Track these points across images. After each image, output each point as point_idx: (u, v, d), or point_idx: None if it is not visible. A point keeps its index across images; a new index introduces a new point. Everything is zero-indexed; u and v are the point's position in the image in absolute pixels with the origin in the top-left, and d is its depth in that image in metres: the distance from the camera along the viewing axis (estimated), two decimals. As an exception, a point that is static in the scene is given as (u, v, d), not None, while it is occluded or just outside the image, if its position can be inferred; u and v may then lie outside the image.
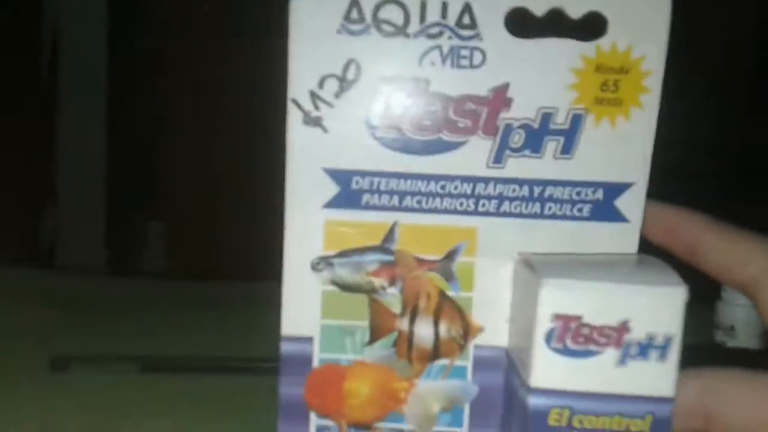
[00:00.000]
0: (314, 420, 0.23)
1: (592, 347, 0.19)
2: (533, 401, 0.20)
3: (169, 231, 1.24)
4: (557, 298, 0.19)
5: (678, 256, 0.22)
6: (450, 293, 0.22)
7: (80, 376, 0.36)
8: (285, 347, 0.23)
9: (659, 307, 0.19)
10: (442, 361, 0.23)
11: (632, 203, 0.22)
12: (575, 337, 0.19)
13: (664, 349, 0.19)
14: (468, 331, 0.23)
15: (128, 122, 1.20)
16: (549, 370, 0.20)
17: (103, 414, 0.32)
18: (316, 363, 0.23)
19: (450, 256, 0.22)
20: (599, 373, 0.19)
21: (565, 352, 0.19)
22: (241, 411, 0.32)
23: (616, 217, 0.22)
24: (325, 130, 0.21)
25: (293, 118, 0.21)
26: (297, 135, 0.21)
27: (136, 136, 1.22)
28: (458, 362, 0.23)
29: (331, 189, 0.22)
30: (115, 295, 0.54)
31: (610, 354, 0.19)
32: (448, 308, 0.23)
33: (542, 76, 0.21)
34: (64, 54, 1.14)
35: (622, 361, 0.19)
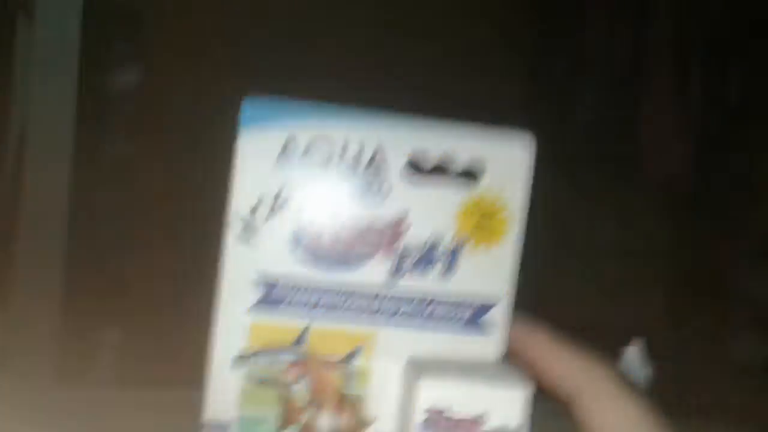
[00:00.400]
0: None
1: None
2: None
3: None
4: (430, 393, 0.24)
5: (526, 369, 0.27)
6: (349, 390, 0.26)
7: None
8: None
9: (508, 402, 0.24)
10: (341, 448, 0.26)
11: (496, 319, 0.27)
12: (442, 427, 0.24)
13: None
14: (363, 423, 0.27)
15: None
16: None
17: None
18: (229, 449, 0.26)
19: (350, 357, 0.26)
20: None
21: None
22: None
23: (482, 330, 0.27)
24: (255, 246, 0.25)
25: (231, 235, 0.25)
26: (232, 249, 0.25)
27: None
28: (354, 449, 0.26)
29: (256, 294, 0.26)
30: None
31: None
32: (347, 403, 0.26)
33: (434, 210, 0.26)
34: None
35: None
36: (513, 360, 0.27)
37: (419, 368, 0.25)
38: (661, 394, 0.29)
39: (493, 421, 0.24)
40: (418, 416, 0.24)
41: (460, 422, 0.24)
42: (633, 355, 0.33)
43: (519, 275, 0.27)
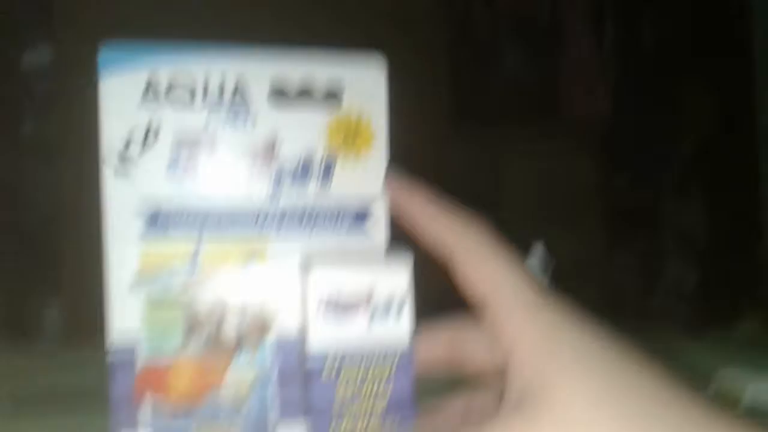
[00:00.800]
0: (146, 410, 0.28)
1: (348, 314, 0.27)
2: (310, 364, 0.27)
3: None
4: (320, 278, 0.27)
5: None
6: (247, 296, 0.29)
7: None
8: (113, 357, 0.28)
9: (392, 276, 0.27)
10: (247, 350, 0.29)
11: (374, 221, 0.30)
12: (335, 308, 0.27)
13: (399, 308, 0.27)
14: (264, 324, 0.29)
15: None
16: (319, 338, 0.27)
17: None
18: (141, 365, 0.28)
19: (244, 268, 0.29)
20: (356, 333, 0.27)
21: (329, 320, 0.27)
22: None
23: (364, 233, 0.30)
24: (132, 180, 0.28)
25: (107, 174, 0.27)
26: (111, 187, 0.27)
27: None
28: (260, 349, 0.29)
29: (143, 224, 0.28)
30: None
31: (362, 318, 0.27)
32: (247, 308, 0.29)
33: (300, 133, 0.29)
34: None
35: (370, 320, 0.27)
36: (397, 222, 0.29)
37: (309, 265, 0.28)
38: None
39: (381, 297, 0.27)
40: (312, 303, 0.27)
41: (352, 304, 0.27)
42: (534, 258, 0.36)
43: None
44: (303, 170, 0.30)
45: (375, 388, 0.27)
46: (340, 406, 0.27)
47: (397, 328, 0.27)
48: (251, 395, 0.29)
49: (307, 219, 0.30)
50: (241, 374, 0.29)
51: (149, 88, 0.28)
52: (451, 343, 0.29)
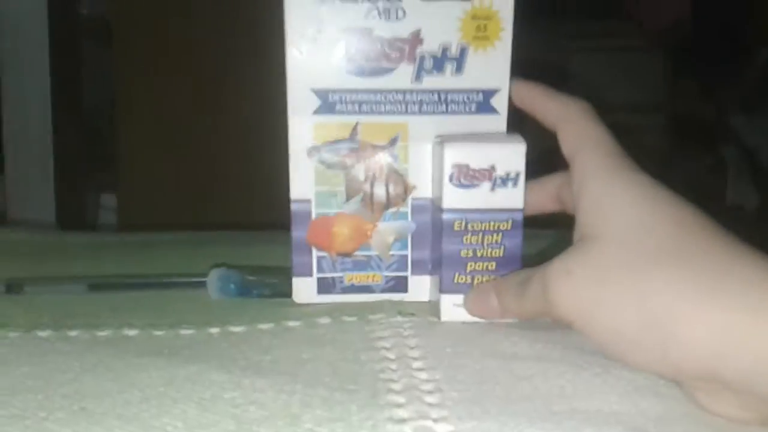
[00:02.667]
0: (314, 253, 0.36)
1: (475, 182, 0.33)
2: (445, 216, 0.33)
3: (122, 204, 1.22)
4: (454, 153, 0.33)
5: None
6: (394, 165, 0.36)
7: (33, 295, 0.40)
8: (294, 207, 0.36)
9: (511, 155, 0.33)
10: (392, 210, 0.36)
11: (501, 101, 0.35)
12: (465, 177, 0.33)
13: (515, 180, 0.33)
14: (406, 189, 0.36)
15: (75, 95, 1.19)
16: (452, 198, 0.33)
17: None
18: (313, 216, 0.36)
19: (392, 142, 0.36)
20: (481, 196, 0.33)
21: (460, 185, 0.33)
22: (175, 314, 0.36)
23: (491, 110, 0.36)
24: (310, 64, 0.35)
25: (290, 57, 0.34)
26: (293, 68, 0.34)
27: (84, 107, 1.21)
28: (402, 209, 0.36)
29: (316, 102, 0.35)
30: (67, 244, 0.54)
31: (486, 185, 0.33)
32: (394, 175, 0.36)
33: (441, 24, 0.35)
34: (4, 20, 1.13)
35: (492, 188, 0.33)
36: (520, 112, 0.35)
37: (444, 139, 0.34)
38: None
39: (501, 169, 0.33)
40: (447, 171, 0.33)
41: (478, 172, 0.33)
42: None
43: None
44: (441, 58, 0.35)
45: (493, 240, 0.33)
46: (465, 254, 0.33)
47: (513, 194, 0.33)
48: (393, 247, 0.36)
49: (443, 99, 0.35)
50: (386, 228, 0.36)
51: None
52: (555, 191, 0.35)
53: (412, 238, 0.37)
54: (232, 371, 0.29)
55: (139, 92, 1.19)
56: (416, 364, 0.30)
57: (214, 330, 0.34)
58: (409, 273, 0.37)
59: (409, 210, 0.36)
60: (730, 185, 1.54)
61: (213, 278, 0.39)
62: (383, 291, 0.37)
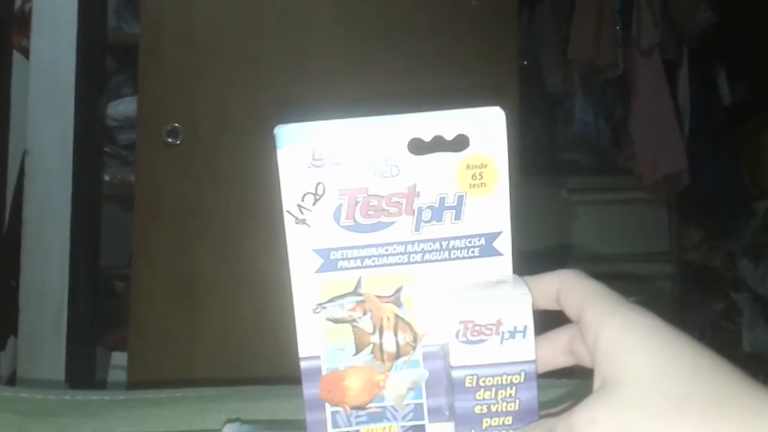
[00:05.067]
0: (328, 408, 0.36)
1: (483, 337, 0.33)
2: (455, 373, 0.33)
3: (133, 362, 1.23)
4: (459, 310, 0.33)
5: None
6: (401, 315, 0.36)
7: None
8: (303, 364, 0.36)
9: (516, 308, 0.33)
10: (403, 359, 0.36)
11: (504, 243, 0.35)
12: (472, 333, 0.33)
13: (523, 332, 0.33)
14: (416, 337, 0.36)
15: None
16: (461, 355, 0.33)
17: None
18: (324, 371, 0.36)
19: (397, 292, 0.36)
20: (490, 351, 0.33)
21: (468, 342, 0.33)
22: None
23: (495, 253, 0.35)
24: (309, 226, 0.35)
25: (288, 222, 0.35)
26: (292, 232, 0.35)
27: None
28: (413, 358, 0.36)
29: (318, 261, 0.35)
30: (76, 402, 0.52)
31: (494, 339, 0.33)
32: (402, 324, 0.36)
33: (436, 177, 0.35)
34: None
35: (500, 342, 0.33)
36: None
37: (448, 294, 0.34)
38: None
39: (509, 323, 0.33)
40: (453, 328, 0.33)
41: (484, 328, 0.33)
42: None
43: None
44: (439, 208, 0.35)
45: (507, 394, 0.33)
46: (480, 411, 0.33)
47: (523, 346, 0.33)
48: (406, 399, 0.36)
49: (445, 246, 0.35)
50: (398, 379, 0.36)
51: (314, 155, 0.34)
52: (566, 344, 0.35)
53: (426, 385, 0.36)
54: None
55: (156, 253, 1.24)
56: None
57: None
58: (426, 421, 0.36)
59: (420, 358, 0.36)
60: (745, 331, 1.55)
61: None
62: None
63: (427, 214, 0.35)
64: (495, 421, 0.33)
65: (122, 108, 1.41)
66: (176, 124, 1.23)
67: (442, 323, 0.35)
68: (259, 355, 1.18)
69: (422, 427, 0.36)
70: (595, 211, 1.52)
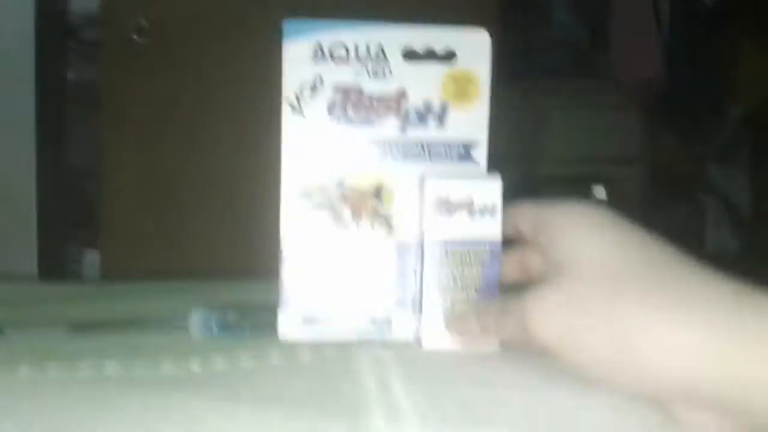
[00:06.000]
0: (301, 290, 0.38)
1: (455, 213, 0.36)
2: (426, 246, 0.36)
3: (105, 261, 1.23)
4: (435, 187, 0.36)
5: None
6: (379, 210, 0.38)
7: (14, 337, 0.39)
8: (283, 246, 0.38)
9: (487, 189, 0.36)
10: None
11: (480, 153, 0.39)
12: (445, 208, 0.36)
13: (492, 211, 0.36)
14: (391, 230, 0.38)
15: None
16: (433, 229, 0.36)
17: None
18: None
19: (378, 188, 0.38)
20: (461, 225, 0.36)
21: (440, 216, 0.36)
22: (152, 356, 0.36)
23: (472, 161, 0.39)
24: (304, 117, 0.38)
25: (285, 111, 0.38)
26: (288, 122, 0.38)
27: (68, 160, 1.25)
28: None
29: (308, 153, 0.38)
30: (48, 292, 0.54)
31: (465, 215, 0.36)
32: (378, 218, 0.38)
33: (425, 83, 0.38)
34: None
35: (471, 218, 0.36)
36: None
37: (425, 178, 0.37)
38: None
39: (479, 202, 0.36)
40: (428, 203, 0.36)
41: (457, 204, 0.36)
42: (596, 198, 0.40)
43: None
44: (424, 113, 0.39)
45: (473, 270, 0.36)
46: (447, 282, 0.36)
47: (490, 224, 0.36)
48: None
49: (426, 150, 0.39)
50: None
51: (316, 52, 0.38)
52: (521, 258, 0.37)
53: (395, 279, 0.38)
54: (213, 399, 0.29)
55: (124, 152, 1.22)
56: (397, 388, 0.31)
57: (195, 366, 0.34)
58: (392, 313, 0.38)
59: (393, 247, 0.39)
60: (709, 233, 1.60)
61: (194, 318, 0.40)
62: (367, 331, 0.38)
63: (413, 117, 0.38)
64: (459, 294, 0.36)
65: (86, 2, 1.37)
66: (143, 21, 1.21)
67: (419, 212, 0.38)
68: (229, 251, 1.19)
69: (388, 321, 0.38)
70: (568, 115, 1.52)
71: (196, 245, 1.21)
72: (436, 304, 0.36)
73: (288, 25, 0.38)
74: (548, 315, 0.31)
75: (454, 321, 0.36)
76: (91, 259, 1.28)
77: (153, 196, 1.22)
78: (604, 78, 1.51)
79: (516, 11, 1.43)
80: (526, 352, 0.33)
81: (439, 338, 0.36)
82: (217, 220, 1.20)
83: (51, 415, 0.29)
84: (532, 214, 0.36)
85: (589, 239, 0.32)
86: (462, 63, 0.38)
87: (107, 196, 1.23)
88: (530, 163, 1.39)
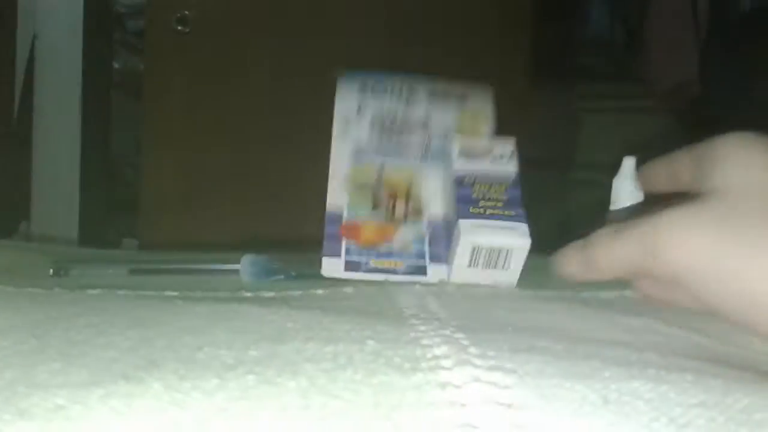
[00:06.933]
0: (344, 243, 0.43)
1: (478, 158, 0.44)
2: (456, 175, 0.43)
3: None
4: (460, 142, 0.45)
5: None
6: (413, 190, 0.46)
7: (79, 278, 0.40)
8: (328, 209, 0.44)
9: (504, 142, 0.45)
10: (411, 221, 0.45)
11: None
12: (469, 155, 0.44)
13: (509, 157, 0.44)
14: (422, 208, 0.45)
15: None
16: (461, 165, 0.43)
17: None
18: (345, 218, 0.44)
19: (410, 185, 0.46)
20: (483, 166, 0.44)
21: (466, 159, 0.44)
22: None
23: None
24: (347, 138, 0.48)
25: (334, 135, 0.48)
26: (337, 141, 0.48)
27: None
28: (419, 220, 0.45)
29: (350, 158, 0.47)
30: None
31: (486, 160, 0.44)
32: (411, 197, 0.46)
33: (443, 118, 0.49)
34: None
35: (491, 162, 0.44)
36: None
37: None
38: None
39: (497, 151, 0.44)
40: (455, 152, 0.44)
41: (480, 153, 0.44)
42: (627, 170, 0.39)
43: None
44: (444, 137, 0.48)
45: (499, 189, 0.42)
46: (476, 196, 0.41)
47: (508, 165, 0.43)
48: (412, 247, 0.44)
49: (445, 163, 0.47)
50: (405, 235, 0.44)
51: (360, 90, 0.50)
52: (677, 168, 0.34)
53: (428, 240, 0.44)
54: (269, 310, 0.32)
55: (164, 143, 1.22)
56: (434, 306, 0.33)
57: (248, 294, 0.38)
58: (427, 261, 0.43)
59: (423, 225, 0.45)
60: None
61: (244, 262, 0.44)
62: (404, 274, 0.42)
63: (435, 141, 0.48)
64: (489, 203, 0.41)
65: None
66: (186, 12, 1.26)
67: (447, 156, 0.45)
68: (270, 245, 1.23)
69: (423, 266, 0.43)
70: (604, 119, 1.52)
71: (234, 238, 1.25)
72: (469, 209, 0.41)
73: (343, 74, 0.50)
74: (687, 241, 0.26)
75: (562, 256, 0.34)
76: (130, 247, 1.27)
77: (192, 186, 1.27)
78: (639, 81, 1.51)
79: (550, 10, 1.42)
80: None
81: (479, 237, 0.39)
82: (257, 214, 1.18)
83: (128, 314, 0.31)
84: (688, 157, 0.32)
85: (746, 162, 0.28)
86: (472, 105, 0.49)
87: (147, 185, 1.28)
88: (561, 167, 1.40)
